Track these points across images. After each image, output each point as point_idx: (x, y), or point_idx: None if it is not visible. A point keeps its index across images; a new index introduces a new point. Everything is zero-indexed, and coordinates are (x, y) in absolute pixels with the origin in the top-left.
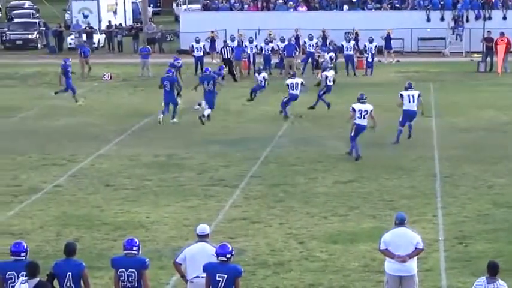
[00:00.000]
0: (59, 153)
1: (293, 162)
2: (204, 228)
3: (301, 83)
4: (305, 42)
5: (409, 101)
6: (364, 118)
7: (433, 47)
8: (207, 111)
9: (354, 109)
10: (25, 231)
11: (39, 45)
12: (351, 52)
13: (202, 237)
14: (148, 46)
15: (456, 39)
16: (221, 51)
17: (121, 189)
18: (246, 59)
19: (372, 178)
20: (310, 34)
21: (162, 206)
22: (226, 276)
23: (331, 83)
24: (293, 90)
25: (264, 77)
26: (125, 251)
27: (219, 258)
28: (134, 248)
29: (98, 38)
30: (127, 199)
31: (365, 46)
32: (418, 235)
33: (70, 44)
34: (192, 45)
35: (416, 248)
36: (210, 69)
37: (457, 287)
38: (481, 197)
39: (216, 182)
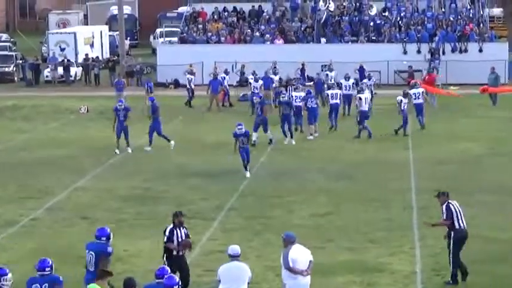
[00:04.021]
0: (36, 186)
1: (270, 194)
2: (236, 248)
3: None
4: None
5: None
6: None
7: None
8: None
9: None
10: (1, 264)
11: (16, 78)
12: (350, 92)
13: (235, 257)
14: (123, 79)
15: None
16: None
17: (98, 222)
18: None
19: (349, 210)
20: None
21: (139, 239)
22: None
23: None
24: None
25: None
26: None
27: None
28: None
29: (75, 71)
30: None
31: (340, 84)
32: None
33: (47, 76)
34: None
35: (310, 261)
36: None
37: None
38: None
39: (193, 215)
